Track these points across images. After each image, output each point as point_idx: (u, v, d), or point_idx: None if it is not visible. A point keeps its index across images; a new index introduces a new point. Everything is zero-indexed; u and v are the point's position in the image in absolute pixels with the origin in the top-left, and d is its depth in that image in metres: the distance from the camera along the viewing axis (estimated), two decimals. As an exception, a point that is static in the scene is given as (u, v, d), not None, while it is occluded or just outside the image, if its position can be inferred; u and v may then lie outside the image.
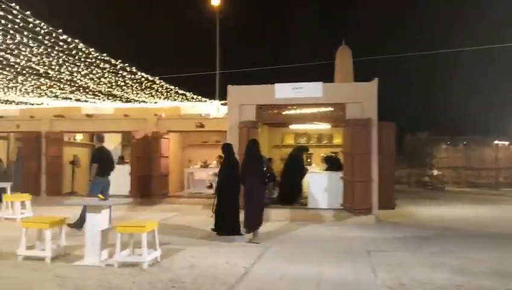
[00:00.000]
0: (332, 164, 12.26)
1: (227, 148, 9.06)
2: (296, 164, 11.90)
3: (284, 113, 11.59)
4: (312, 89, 10.83)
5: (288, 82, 11.17)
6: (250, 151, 8.51)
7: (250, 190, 8.26)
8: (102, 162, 9.25)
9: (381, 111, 10.83)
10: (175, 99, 11.16)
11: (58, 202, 13.69)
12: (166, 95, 10.05)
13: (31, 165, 14.99)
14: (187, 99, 11.31)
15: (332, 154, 13.50)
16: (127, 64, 7.12)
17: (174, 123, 14.73)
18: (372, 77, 10.89)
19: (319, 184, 11.46)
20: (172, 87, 9.13)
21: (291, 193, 11.84)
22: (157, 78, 8.03)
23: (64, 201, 10.99)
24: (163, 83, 8.56)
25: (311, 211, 11.23)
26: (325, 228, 10.06)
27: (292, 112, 11.65)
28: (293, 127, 15.17)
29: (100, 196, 6.90)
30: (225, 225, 8.67)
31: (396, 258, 7.08)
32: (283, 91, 10.99)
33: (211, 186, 15.39)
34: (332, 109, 11.19)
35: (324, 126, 14.76)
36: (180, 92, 9.86)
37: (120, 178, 14.94)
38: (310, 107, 11.41)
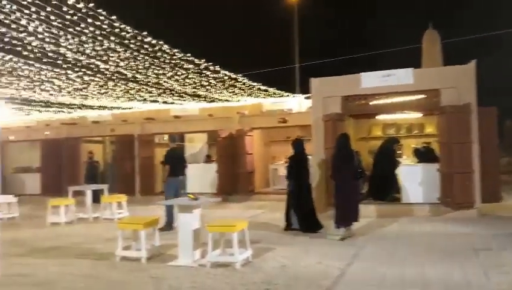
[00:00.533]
0: (423, 156, 11.46)
1: (297, 144, 8.96)
2: (387, 156, 11.25)
3: (371, 103, 11.02)
4: (402, 76, 10.16)
5: (369, 71, 10.59)
6: (341, 146, 8.21)
7: (341, 185, 7.97)
8: (174, 163, 9.43)
9: (480, 95, 9.90)
10: (257, 96, 11.04)
11: (151, 201, 14.23)
12: (249, 92, 9.94)
13: (125, 166, 15.78)
14: (269, 95, 11.14)
15: (425, 145, 12.64)
16: (210, 64, 7.10)
17: (256, 120, 14.71)
18: (465, 60, 10.00)
19: (413, 177, 10.75)
20: (254, 83, 8.99)
21: (382, 187, 11.22)
22: (239, 75, 7.93)
23: (156, 201, 11.29)
24: (245, 80, 8.45)
25: (405, 206, 10.56)
26: (422, 224, 9.38)
27: (380, 101, 11.05)
28: (380, 117, 14.45)
29: (191, 195, 6.92)
30: (300, 222, 8.60)
31: (509, 258, 6.34)
32: (370, 80, 10.42)
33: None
34: (425, 96, 10.42)
35: (414, 115, 13.88)
36: (262, 88, 9.70)
37: (207, 176, 15.29)
38: (400, 95, 10.75)
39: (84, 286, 5.69)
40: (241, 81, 8.61)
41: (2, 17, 4.73)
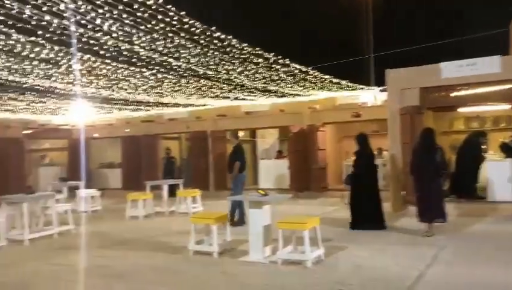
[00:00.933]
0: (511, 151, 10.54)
1: (362, 139, 8.70)
2: (473, 151, 10.45)
3: (452, 95, 10.31)
4: (487, 65, 9.36)
5: (450, 60, 9.84)
6: (425, 141, 7.78)
7: (423, 181, 7.54)
8: (242, 159, 9.46)
9: None
10: (329, 90, 10.73)
11: (224, 196, 14.42)
12: (320, 85, 9.67)
13: (199, 162, 16.16)
14: (342, 88, 10.79)
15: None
16: (279, 57, 6.96)
17: (329, 115, 14.37)
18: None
19: (500, 174, 9.91)
20: (326, 76, 8.71)
21: (466, 183, 10.46)
22: (310, 68, 7.72)
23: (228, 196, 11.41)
24: (316, 73, 8.21)
25: (490, 204, 9.78)
26: (508, 224, 8.62)
27: (462, 92, 10.30)
28: (462, 110, 13.52)
29: (261, 191, 6.85)
30: (366, 218, 8.33)
31: None
32: (451, 70, 9.72)
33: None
34: (514, 85, 9.56)
35: (501, 107, 12.81)
36: (334, 81, 9.38)
37: (279, 172, 15.23)
38: (484, 85, 9.94)
39: (158, 279, 5.81)
40: (312, 74, 8.37)
41: (79, 17, 4.92)
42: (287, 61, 7.26)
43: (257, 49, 6.44)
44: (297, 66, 7.65)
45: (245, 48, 6.38)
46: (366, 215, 8.38)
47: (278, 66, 7.49)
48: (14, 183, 15.77)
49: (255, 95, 10.82)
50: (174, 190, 12.62)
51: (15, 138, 17.07)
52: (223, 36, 5.76)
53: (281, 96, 11.64)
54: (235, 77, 8.24)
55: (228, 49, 6.35)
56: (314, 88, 10.31)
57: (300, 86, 9.76)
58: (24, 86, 8.92)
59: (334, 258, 6.41)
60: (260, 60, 7.01)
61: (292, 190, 14.18)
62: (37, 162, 20.02)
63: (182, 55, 6.58)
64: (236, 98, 11.35)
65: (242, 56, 6.75)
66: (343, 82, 9.77)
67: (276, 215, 6.92)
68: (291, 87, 9.79)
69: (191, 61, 7.01)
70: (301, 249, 6.25)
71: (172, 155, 16.77)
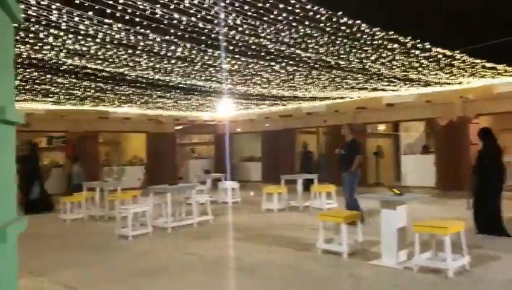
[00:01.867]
0: None
1: (485, 133, 7.65)
2: None
3: None
4: None
5: None
6: None
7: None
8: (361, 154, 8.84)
9: None
10: (483, 76, 9.42)
11: (363, 192, 13.81)
12: (471, 72, 8.52)
13: (334, 157, 15.72)
14: (499, 74, 9.39)
15: None
16: (418, 41, 6.24)
17: (484, 105, 12.75)
18: None
19: None
20: (477, 61, 7.62)
21: None
22: (456, 52, 6.80)
23: (367, 192, 10.81)
24: (464, 57, 7.21)
25: None
26: None
27: None
28: None
29: (395, 190, 6.25)
30: (488, 223, 7.35)
31: None
32: None
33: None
34: None
35: None
36: (488, 65, 8.17)
37: (424, 169, 14.05)
38: None
39: (282, 276, 5.68)
40: (459, 59, 7.39)
41: (204, 13, 4.98)
42: (427, 45, 6.50)
43: (390, 33, 5.86)
44: (440, 50, 6.80)
45: (377, 33, 5.85)
46: (484, 219, 7.38)
47: (417, 52, 6.76)
48: (167, 174, 17.29)
49: (395, 85, 10.02)
50: (309, 184, 12.47)
51: (168, 133, 18.69)
52: (350, 22, 5.35)
53: (425, 86, 10.60)
54: (370, 66, 7.68)
55: (358, 36, 5.89)
56: (463, 75, 9.15)
57: (447, 73, 8.72)
58: (170, 84, 9.58)
59: (483, 269, 5.55)
60: (395, 45, 6.38)
61: (439, 188, 12.96)
62: (188, 155, 21.71)
63: (310, 46, 6.32)
64: (374, 89, 10.67)
65: (374, 42, 6.22)
66: (500, 66, 8.46)
67: (416, 216, 6.27)
68: (435, 74, 8.82)
69: (320, 52, 6.70)
70: (442, 256, 5.55)
71: (310, 150, 16.64)
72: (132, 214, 8.46)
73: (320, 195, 11.45)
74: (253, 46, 6.39)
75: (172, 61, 7.23)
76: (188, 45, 6.24)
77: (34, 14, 5.40)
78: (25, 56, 7.41)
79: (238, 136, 20.43)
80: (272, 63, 7.39)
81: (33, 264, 6.46)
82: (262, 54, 6.75)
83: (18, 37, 6.29)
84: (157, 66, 7.61)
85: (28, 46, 6.62)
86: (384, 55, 6.93)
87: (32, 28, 5.89)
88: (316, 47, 6.42)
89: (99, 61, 7.37)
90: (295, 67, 7.75)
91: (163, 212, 9.30)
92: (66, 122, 16.08)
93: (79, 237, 8.88)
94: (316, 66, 7.64)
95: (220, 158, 19.84)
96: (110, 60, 7.25)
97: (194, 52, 6.62)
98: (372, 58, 7.15)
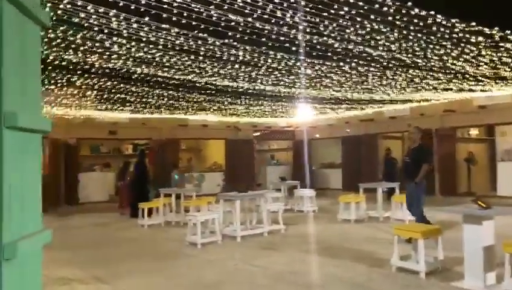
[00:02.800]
0: None
1: None
2: None
3: None
4: None
5: None
6: None
7: None
8: (431, 161, 7.82)
9: None
10: None
11: (451, 202, 12.66)
12: None
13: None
14: None
15: None
16: (508, 32, 5.40)
17: None
18: None
19: None
20: None
21: None
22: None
23: (458, 203, 9.81)
24: None
25: None
26: None
27: None
28: None
29: (481, 203, 5.47)
30: None
31: None
32: None
33: None
34: None
35: None
36: None
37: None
38: None
39: (348, 296, 5.18)
40: None
41: (260, 12, 4.70)
42: (520, 36, 5.63)
43: (472, 24, 5.12)
44: (537, 41, 5.87)
45: (456, 25, 5.15)
46: None
47: (508, 44, 5.89)
48: (245, 181, 17.27)
49: (484, 84, 8.97)
50: (392, 193, 11.65)
51: (246, 139, 18.71)
52: (423, 13, 4.74)
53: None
54: (452, 64, 6.88)
55: (434, 29, 5.23)
56: None
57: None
58: (239, 90, 9.44)
59: None
60: (480, 38, 5.59)
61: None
62: (266, 162, 21.60)
63: (379, 43, 5.76)
64: (461, 90, 9.67)
65: (454, 36, 5.50)
66: None
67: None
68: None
69: (392, 49, 6.10)
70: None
71: (393, 156, 15.67)
72: (200, 221, 8.38)
73: (402, 205, 10.61)
74: (318, 46, 5.98)
75: (236, 66, 7.05)
76: (249, 48, 5.99)
77: (96, 22, 5.47)
78: (97, 66, 7.66)
79: (317, 142, 19.93)
80: (341, 64, 6.91)
81: (101, 270, 6.57)
82: (329, 53, 6.31)
83: (86, 47, 6.46)
84: (222, 71, 7.48)
85: (96, 55, 6.78)
86: (467, 50, 6.14)
87: (97, 37, 5.99)
88: (386, 44, 5.84)
89: (166, 69, 7.39)
90: (366, 68, 7.18)
91: (234, 220, 9.13)
92: (148, 130, 16.72)
93: (151, 243, 8.99)
94: (389, 65, 7.02)
95: (298, 165, 19.47)
96: (176, 66, 7.24)
97: (256, 55, 6.37)
98: (453, 54, 6.38)
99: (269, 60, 6.70)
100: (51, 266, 6.80)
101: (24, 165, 2.33)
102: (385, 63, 6.92)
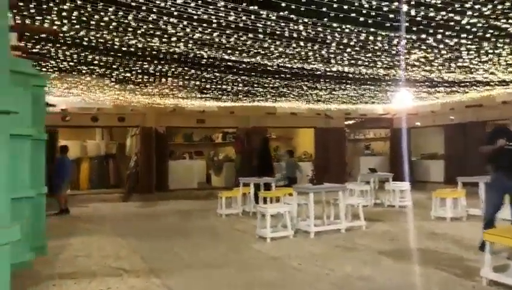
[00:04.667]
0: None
1: None
2: None
3: None
4: None
5: None
6: None
7: None
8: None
9: None
10: None
11: None
12: None
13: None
14: None
15: None
16: None
17: None
18: None
19: None
20: None
21: None
22: None
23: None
24: None
25: None
26: None
27: None
28: None
29: None
30: None
31: None
32: None
33: None
34: None
35: None
36: None
37: None
38: None
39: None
40: None
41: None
42: None
43: None
44: None
45: None
46: None
47: None
48: (334, 171, 16.42)
49: None
50: None
51: (337, 128, 17.76)
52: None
53: None
54: None
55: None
56: None
57: None
58: (315, 72, 8.69)
59: None
60: None
61: None
62: (359, 152, 20.41)
63: (466, 6, 4.64)
64: None
65: None
66: None
67: None
68: None
69: (485, 13, 4.91)
70: None
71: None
72: (271, 214, 7.85)
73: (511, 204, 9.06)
74: (390, 15, 5.04)
75: (301, 43, 6.32)
76: (308, 21, 5.25)
77: (142, 0, 5.16)
78: (164, 51, 7.44)
79: (418, 130, 18.26)
80: (423, 36, 5.82)
81: (161, 262, 6.36)
82: (406, 24, 5.32)
83: (143, 30, 6.23)
84: (289, 51, 6.79)
85: (156, 39, 6.53)
86: None
87: (149, 18, 5.70)
88: (476, 7, 4.72)
89: (230, 51, 6.93)
90: (456, 39, 5.99)
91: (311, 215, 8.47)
92: (235, 119, 16.58)
93: (221, 234, 8.68)
94: (486, 35, 5.77)
95: (395, 155, 18.03)
96: (239, 48, 6.74)
97: (319, 29, 5.59)
98: None
99: (337, 36, 5.87)
100: (113, 256, 6.76)
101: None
102: (479, 33, 5.70)
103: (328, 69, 8.10)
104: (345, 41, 6.10)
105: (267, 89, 10.45)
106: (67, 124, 14.90)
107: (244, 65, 8.10)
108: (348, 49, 6.55)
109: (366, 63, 7.53)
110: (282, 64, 7.96)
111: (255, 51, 6.81)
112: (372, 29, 5.78)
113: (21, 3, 5.22)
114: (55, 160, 12.06)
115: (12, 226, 2.59)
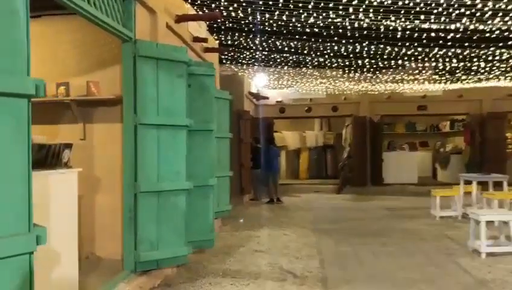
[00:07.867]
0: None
1: None
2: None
3: None
4: None
5: None
6: None
7: None
8: None
9: None
10: None
11: None
12: None
13: None
14: None
15: None
16: None
17: None
18: None
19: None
20: None
21: None
22: None
23: None
24: None
25: None
26: None
27: None
28: None
29: None
30: None
31: None
32: None
33: None
34: None
35: None
36: None
37: None
38: None
39: None
40: None
41: None
42: None
43: None
44: None
45: None
46: None
47: None
48: None
49: None
50: None
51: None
52: None
53: None
54: None
55: None
56: None
57: None
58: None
59: None
60: None
61: None
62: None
63: None
64: None
65: None
66: None
67: None
68: None
69: None
70: None
71: None
72: (486, 221, 6.09)
73: None
74: None
75: None
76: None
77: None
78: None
79: None
80: None
81: (338, 270, 5.56)
82: None
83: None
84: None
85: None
86: None
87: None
88: None
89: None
90: None
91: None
92: (464, 103, 14.17)
93: (427, 240, 7.23)
94: None
95: None
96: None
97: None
98: None
99: None
100: (291, 255, 6.24)
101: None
102: None
103: None
104: None
105: (491, 62, 8.22)
106: (283, 116, 15.26)
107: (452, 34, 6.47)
108: None
109: None
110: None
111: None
112: None
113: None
114: (264, 150, 12.13)
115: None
